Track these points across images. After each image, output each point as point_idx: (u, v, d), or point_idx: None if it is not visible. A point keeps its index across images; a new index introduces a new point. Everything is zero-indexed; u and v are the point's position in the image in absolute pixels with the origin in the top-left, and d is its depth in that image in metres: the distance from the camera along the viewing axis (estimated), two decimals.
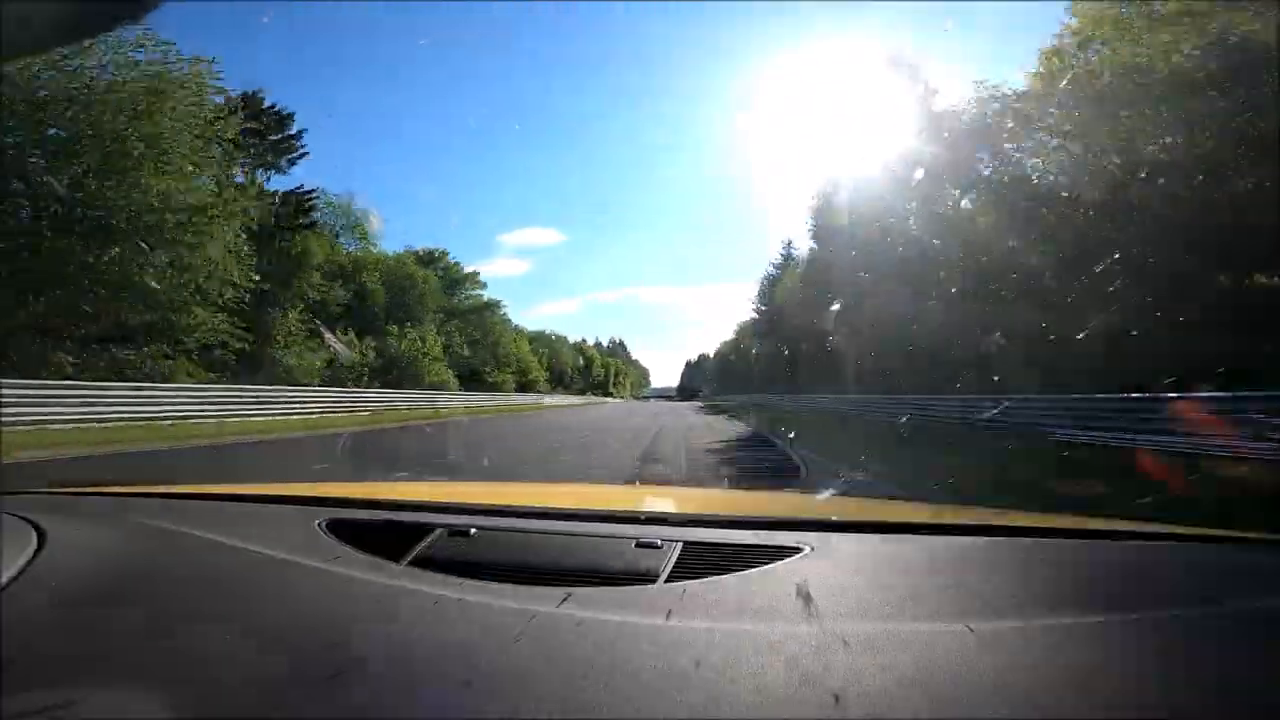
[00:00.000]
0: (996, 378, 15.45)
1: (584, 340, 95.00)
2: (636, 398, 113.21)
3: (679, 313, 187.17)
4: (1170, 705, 0.63)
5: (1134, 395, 10.15)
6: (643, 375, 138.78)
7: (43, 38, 0.85)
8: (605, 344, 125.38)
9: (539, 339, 66.13)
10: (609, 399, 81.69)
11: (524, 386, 49.90)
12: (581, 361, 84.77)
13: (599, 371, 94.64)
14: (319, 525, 1.21)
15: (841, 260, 27.43)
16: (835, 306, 27.39)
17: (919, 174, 20.51)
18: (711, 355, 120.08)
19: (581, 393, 76.76)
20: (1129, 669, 0.69)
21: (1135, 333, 12.59)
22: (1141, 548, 1.25)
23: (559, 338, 75.25)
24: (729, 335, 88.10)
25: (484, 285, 47.38)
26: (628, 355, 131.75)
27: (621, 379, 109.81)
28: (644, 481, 7.27)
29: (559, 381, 67.84)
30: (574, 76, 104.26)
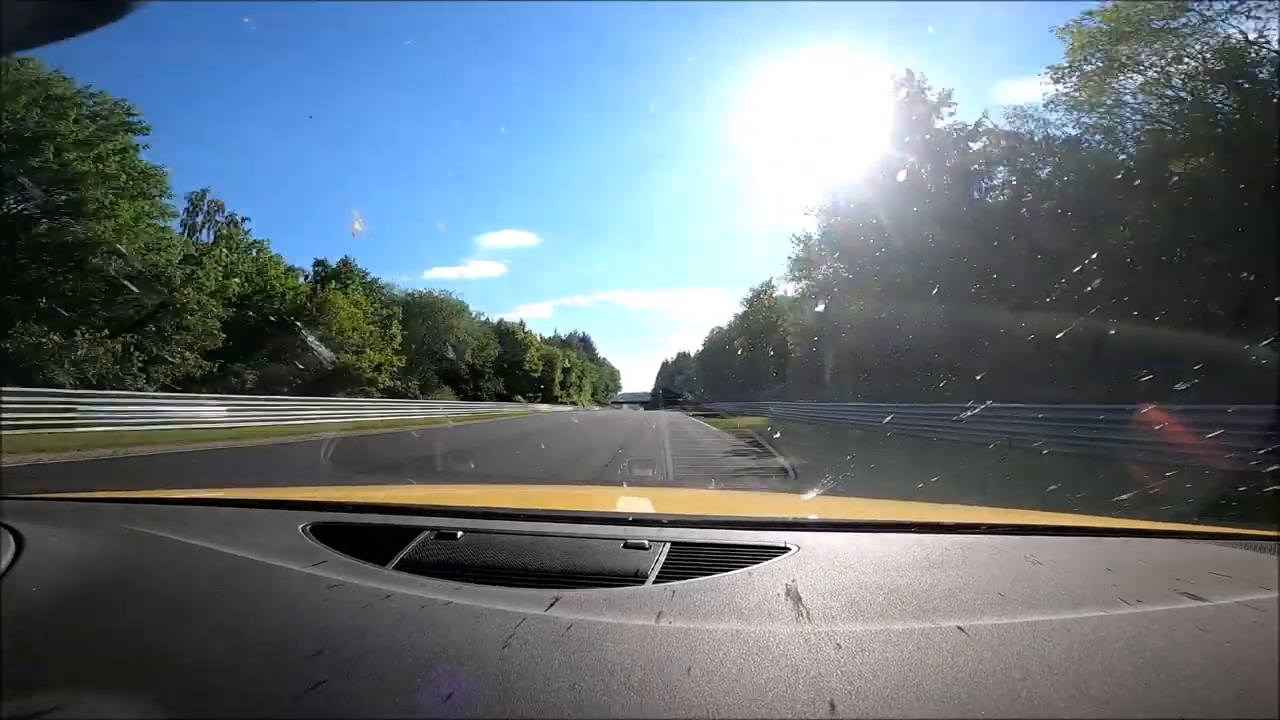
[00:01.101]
0: None
1: (520, 323, 63.71)
2: (605, 404, 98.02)
3: (654, 318, 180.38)
4: (1157, 701, 0.63)
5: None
6: (611, 376, 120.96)
7: (26, 37, 0.85)
8: (564, 336, 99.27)
9: (420, 303, 41.22)
10: (548, 409, 54.48)
11: (330, 379, 27.19)
12: (498, 349, 53.95)
13: (536, 366, 62.77)
14: (303, 529, 1.20)
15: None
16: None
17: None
18: (695, 353, 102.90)
19: (500, 399, 50.71)
20: (1117, 665, 0.69)
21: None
22: (1124, 544, 1.26)
23: (450, 301, 45.21)
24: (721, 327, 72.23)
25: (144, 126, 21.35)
26: (592, 352, 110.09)
27: (577, 380, 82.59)
28: (629, 483, 7.27)
29: (450, 379, 42.99)
30: (554, 78, 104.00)
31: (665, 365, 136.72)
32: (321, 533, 1.18)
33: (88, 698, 0.66)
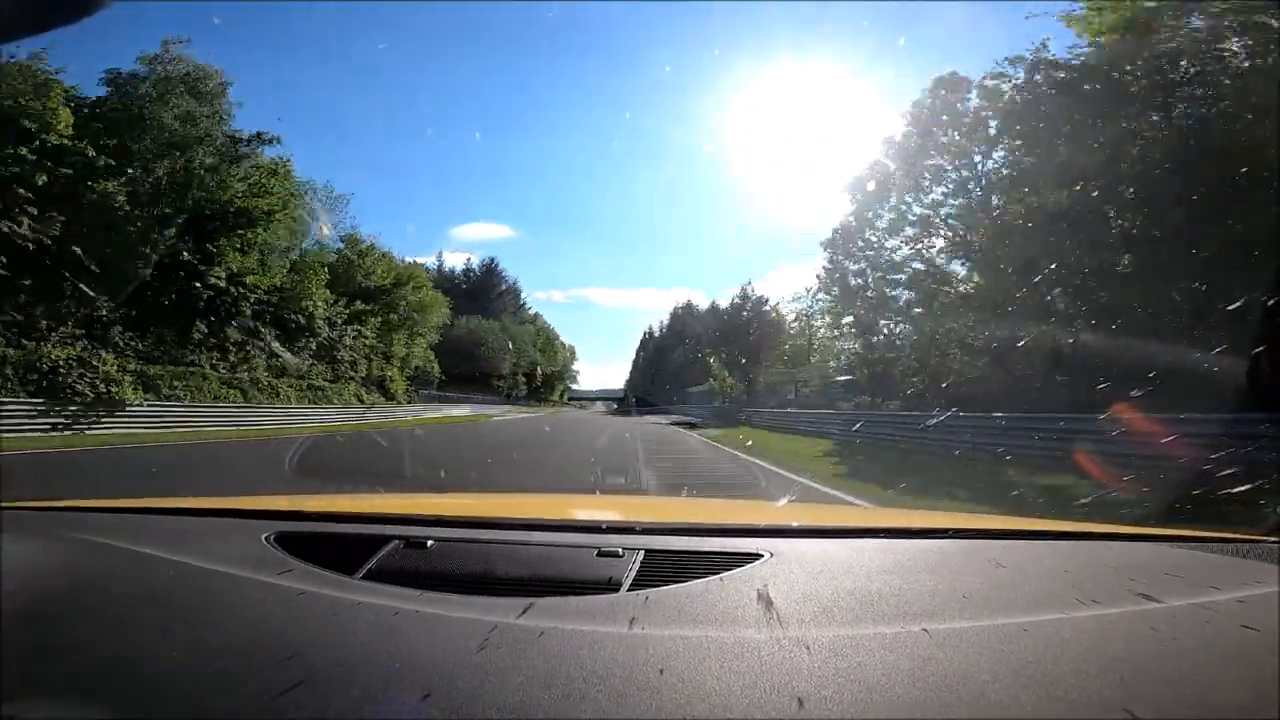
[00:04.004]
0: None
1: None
2: (552, 402, 70.61)
3: (632, 317, 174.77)
4: (1117, 701, 0.65)
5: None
6: (546, 346, 70.49)
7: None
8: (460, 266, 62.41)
9: None
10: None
11: None
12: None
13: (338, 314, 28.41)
14: (267, 539, 1.17)
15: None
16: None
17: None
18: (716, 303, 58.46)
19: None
20: (1077, 667, 0.71)
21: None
22: (1082, 548, 1.30)
23: None
24: None
25: None
26: (505, 298, 67.88)
27: (403, 345, 33.84)
28: (603, 491, 7.25)
29: None
30: (534, 75, 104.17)
31: (646, 341, 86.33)
32: (286, 542, 1.15)
33: (43, 706, 0.65)
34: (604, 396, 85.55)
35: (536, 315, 74.91)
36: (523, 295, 75.01)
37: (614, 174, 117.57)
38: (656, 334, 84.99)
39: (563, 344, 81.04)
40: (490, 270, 68.29)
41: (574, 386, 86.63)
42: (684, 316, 74.54)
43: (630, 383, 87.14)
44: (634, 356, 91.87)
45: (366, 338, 31.42)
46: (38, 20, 0.84)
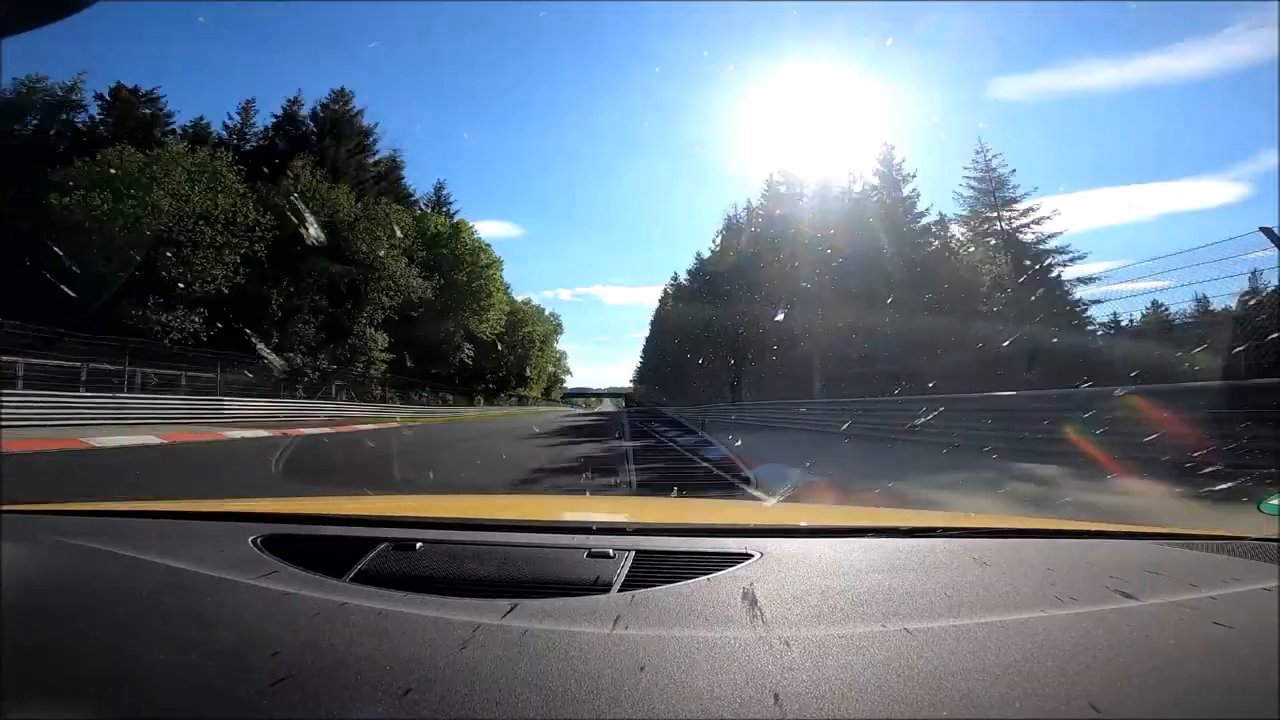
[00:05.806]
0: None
1: None
2: (570, 400, 65.22)
3: (639, 315, 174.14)
4: (1096, 699, 0.66)
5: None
6: (500, 310, 44.46)
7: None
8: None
9: None
10: None
11: None
12: None
13: None
14: (253, 541, 1.16)
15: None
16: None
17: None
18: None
19: None
20: (1057, 665, 0.72)
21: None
22: (1068, 546, 1.31)
23: None
24: None
25: None
26: (388, 185, 36.35)
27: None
28: (593, 493, 7.23)
29: None
30: (541, 72, 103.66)
31: (664, 298, 58.42)
32: (273, 545, 1.15)
33: (37, 706, 0.65)
34: (614, 393, 79.74)
35: (460, 223, 40.58)
36: (437, 187, 42.52)
37: (619, 172, 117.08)
38: (683, 280, 52.16)
39: (535, 308, 51.80)
40: (337, 117, 32.80)
41: (572, 383, 70.04)
42: (773, 202, 35.06)
43: (640, 374, 66.87)
44: (646, 338, 69.54)
45: None
46: (30, 17, 0.83)
